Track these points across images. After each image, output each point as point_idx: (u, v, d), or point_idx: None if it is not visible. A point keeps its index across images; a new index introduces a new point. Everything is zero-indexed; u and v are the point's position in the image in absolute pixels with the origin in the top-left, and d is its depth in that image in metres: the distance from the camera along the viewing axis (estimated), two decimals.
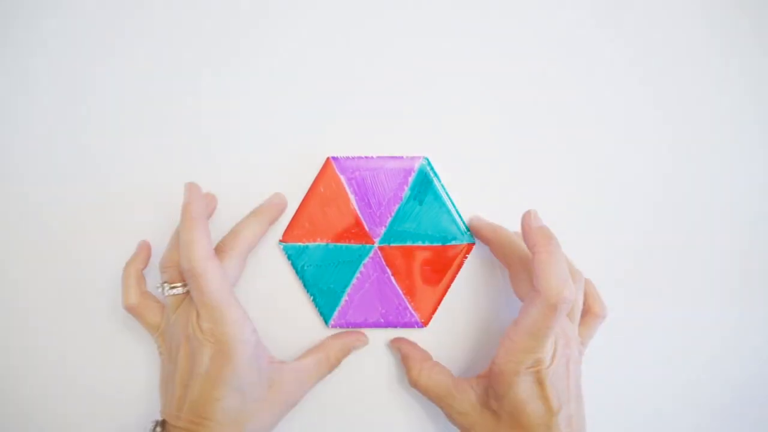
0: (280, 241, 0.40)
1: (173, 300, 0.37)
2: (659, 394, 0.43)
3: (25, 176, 0.42)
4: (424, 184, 0.40)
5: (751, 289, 0.43)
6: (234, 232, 0.38)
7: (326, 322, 0.40)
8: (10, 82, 0.42)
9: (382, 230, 0.40)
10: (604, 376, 0.42)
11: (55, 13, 0.42)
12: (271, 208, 0.40)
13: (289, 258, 0.40)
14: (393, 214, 0.40)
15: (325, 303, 0.40)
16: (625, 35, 0.43)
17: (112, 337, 0.41)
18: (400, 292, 0.40)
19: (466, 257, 0.40)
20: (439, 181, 0.40)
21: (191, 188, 0.36)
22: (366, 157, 0.40)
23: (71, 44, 0.42)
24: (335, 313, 0.40)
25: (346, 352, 0.40)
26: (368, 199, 0.40)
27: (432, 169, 0.40)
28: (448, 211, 0.40)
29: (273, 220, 0.40)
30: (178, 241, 0.36)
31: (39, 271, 0.41)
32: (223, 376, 0.33)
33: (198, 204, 0.35)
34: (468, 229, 0.40)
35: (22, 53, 0.42)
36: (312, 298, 0.40)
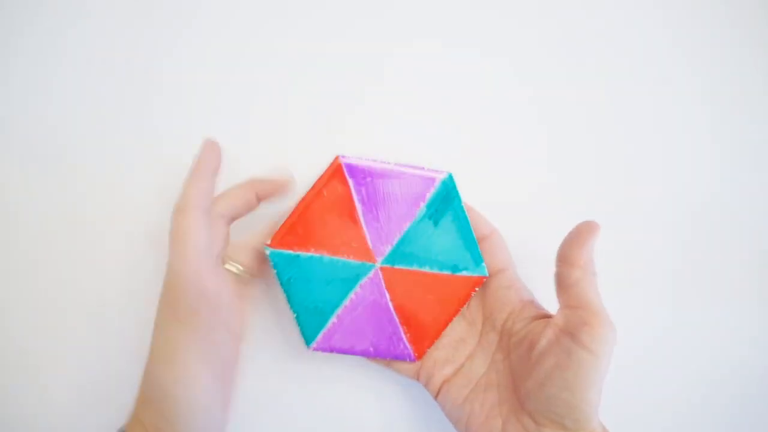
0: (267, 245, 0.34)
1: None
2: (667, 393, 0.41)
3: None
4: (445, 203, 0.35)
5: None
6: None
7: (308, 343, 0.35)
8: None
9: (388, 249, 0.35)
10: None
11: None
12: (271, 184, 0.35)
13: (274, 266, 0.34)
14: (403, 232, 0.35)
15: (309, 323, 0.35)
16: (660, 41, 0.41)
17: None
18: (397, 320, 0.35)
19: (475, 291, 0.36)
20: (460, 202, 0.35)
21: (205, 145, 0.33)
22: (382, 163, 0.34)
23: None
24: (319, 336, 0.35)
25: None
26: (377, 211, 0.34)
27: (454, 187, 0.35)
28: (466, 237, 0.35)
29: (265, 196, 0.35)
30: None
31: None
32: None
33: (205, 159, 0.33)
34: (481, 260, 0.35)
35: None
36: (295, 315, 0.34)
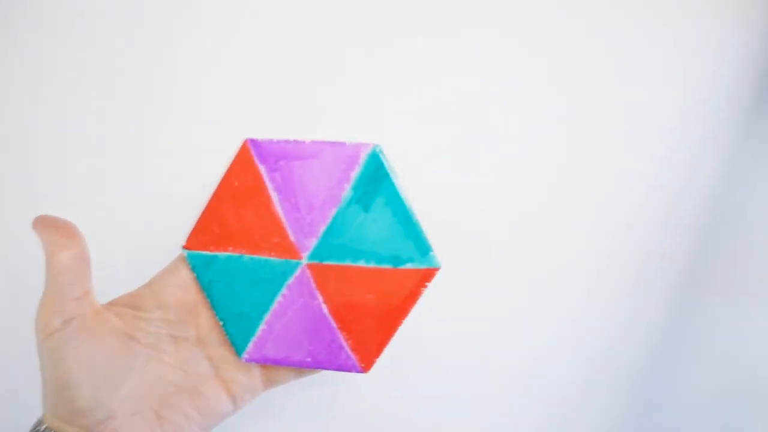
0: (184, 247, 0.31)
1: None
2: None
3: None
4: (374, 182, 0.29)
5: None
6: None
7: (239, 353, 0.31)
8: None
9: (313, 242, 0.30)
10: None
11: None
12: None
13: (193, 269, 0.31)
14: (328, 221, 0.29)
15: (237, 330, 0.31)
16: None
17: None
18: (334, 325, 0.30)
19: (425, 286, 0.29)
20: (394, 179, 0.29)
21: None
22: (295, 142, 0.29)
23: None
24: (250, 345, 0.31)
25: None
26: (296, 199, 0.29)
27: (385, 161, 0.29)
28: (405, 222, 0.29)
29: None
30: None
31: None
32: None
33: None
34: (429, 249, 0.29)
35: None
36: (222, 322, 0.31)
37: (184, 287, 0.31)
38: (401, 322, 0.30)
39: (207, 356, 0.32)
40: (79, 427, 0.28)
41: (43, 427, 0.29)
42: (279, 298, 0.30)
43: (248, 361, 0.31)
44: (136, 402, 0.30)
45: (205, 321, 0.31)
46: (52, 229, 0.29)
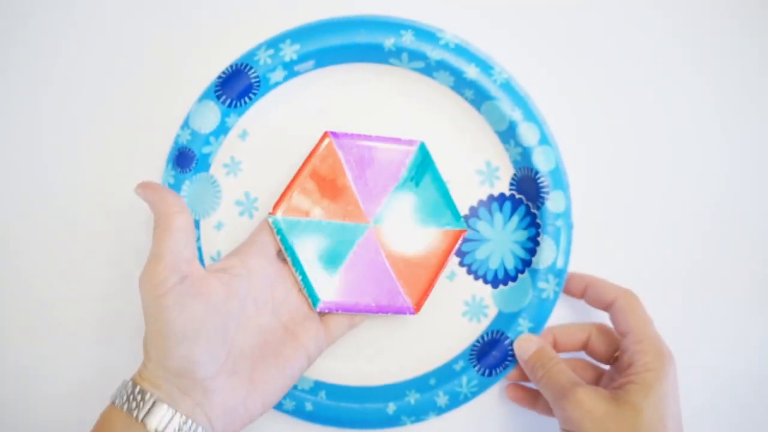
0: (270, 213, 0.37)
1: None
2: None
3: None
4: (422, 166, 0.40)
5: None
6: None
7: (314, 304, 0.37)
8: None
9: (378, 210, 0.39)
10: None
11: None
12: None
13: (278, 233, 0.37)
14: (389, 194, 0.39)
15: (314, 284, 0.37)
16: None
17: None
18: (394, 275, 0.39)
19: (457, 244, 0.40)
20: (435, 166, 0.40)
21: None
22: (365, 136, 0.39)
23: None
24: (325, 296, 0.37)
25: None
26: (365, 177, 0.39)
27: (428, 153, 0.40)
28: (444, 196, 0.40)
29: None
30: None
31: None
32: None
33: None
34: (460, 217, 0.40)
35: None
36: (300, 278, 0.37)
37: (266, 256, 0.37)
38: (441, 272, 0.39)
39: (282, 321, 0.36)
40: (182, 386, 0.30)
41: (138, 388, 0.30)
42: (350, 255, 0.38)
43: (322, 310, 0.37)
44: (234, 362, 0.33)
45: (282, 288, 0.37)
46: (165, 194, 0.33)
